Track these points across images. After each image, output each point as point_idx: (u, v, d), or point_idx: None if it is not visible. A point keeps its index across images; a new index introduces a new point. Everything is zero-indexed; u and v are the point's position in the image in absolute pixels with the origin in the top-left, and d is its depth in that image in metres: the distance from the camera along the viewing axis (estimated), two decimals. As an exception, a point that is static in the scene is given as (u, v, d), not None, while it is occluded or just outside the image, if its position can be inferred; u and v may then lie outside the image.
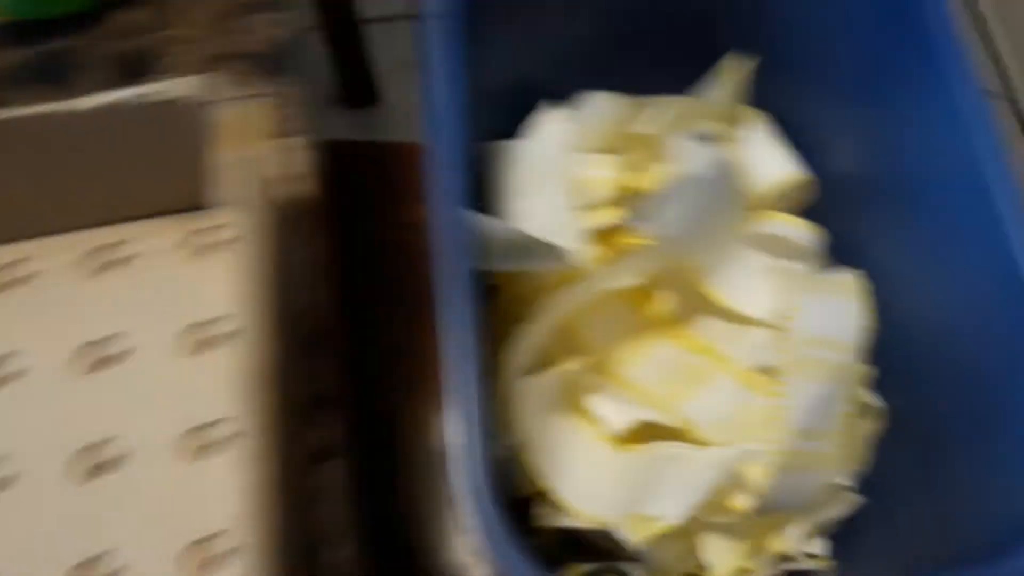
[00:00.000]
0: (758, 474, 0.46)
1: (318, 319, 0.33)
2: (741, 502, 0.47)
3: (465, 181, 0.36)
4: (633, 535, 0.44)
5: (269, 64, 0.36)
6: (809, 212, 0.56)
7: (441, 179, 0.36)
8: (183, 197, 0.32)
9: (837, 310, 0.48)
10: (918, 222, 0.47)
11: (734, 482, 0.48)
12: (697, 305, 0.53)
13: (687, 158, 0.45)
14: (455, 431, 0.34)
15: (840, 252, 0.53)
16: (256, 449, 0.24)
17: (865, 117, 0.50)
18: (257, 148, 0.27)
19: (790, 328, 0.47)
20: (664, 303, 0.54)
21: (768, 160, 0.54)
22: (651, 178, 0.53)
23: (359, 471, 0.34)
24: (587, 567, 0.49)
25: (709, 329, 0.54)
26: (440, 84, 0.38)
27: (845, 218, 0.53)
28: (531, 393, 0.48)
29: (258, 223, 0.26)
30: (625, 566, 0.50)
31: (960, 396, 0.44)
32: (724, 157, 0.46)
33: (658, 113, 0.52)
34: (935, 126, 0.44)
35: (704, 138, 0.45)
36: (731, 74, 0.51)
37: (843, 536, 0.50)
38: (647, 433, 0.51)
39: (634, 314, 0.54)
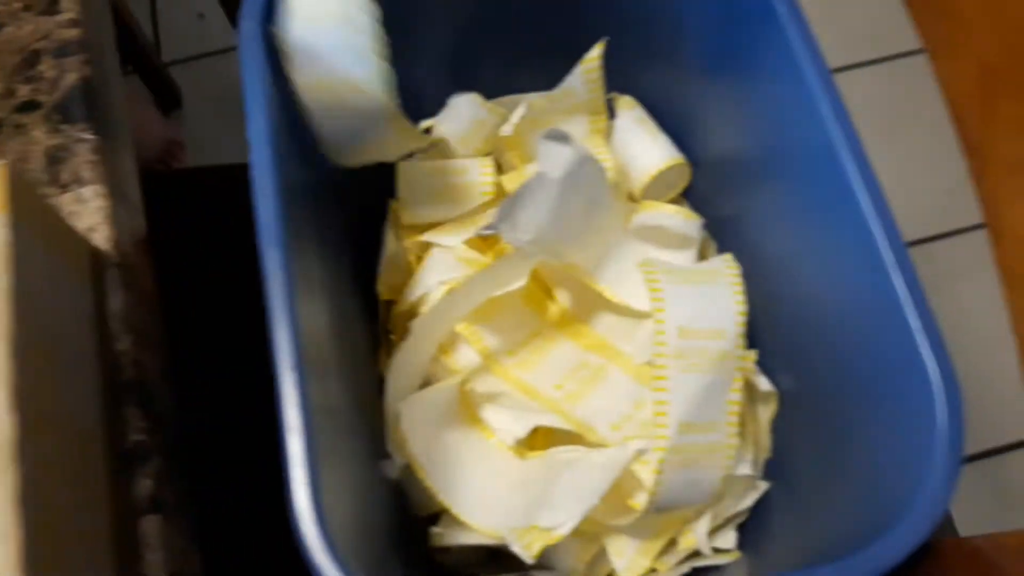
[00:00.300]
0: (647, 473, 0.45)
1: (133, 370, 0.32)
2: (638, 501, 0.46)
3: (279, 204, 0.35)
4: (526, 548, 0.43)
5: (65, 111, 0.35)
6: (693, 196, 0.55)
7: (257, 202, 0.35)
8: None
9: (712, 299, 0.47)
10: (785, 198, 0.46)
11: (630, 482, 0.47)
12: (593, 302, 0.53)
13: (541, 158, 0.44)
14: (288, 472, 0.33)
15: (723, 235, 0.53)
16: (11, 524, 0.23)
17: (727, 96, 0.49)
18: (25, 207, 0.26)
19: (665, 320, 0.46)
20: (561, 302, 0.53)
21: (642, 147, 0.53)
22: (525, 178, 0.52)
23: (201, 518, 0.33)
24: (498, 580, 0.49)
25: (604, 325, 0.53)
26: (253, 108, 0.37)
27: (725, 200, 0.52)
28: (422, 409, 0.48)
29: (10, 286, 0.25)
30: (540, 575, 0.49)
31: (839, 372, 0.43)
32: (582, 153, 0.44)
33: (523, 112, 0.51)
34: (786, 98, 0.43)
35: (557, 136, 0.44)
36: (591, 64, 0.50)
37: (749, 524, 0.49)
38: (546, 438, 0.50)
39: (533, 315, 0.53)
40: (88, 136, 0.35)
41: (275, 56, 0.39)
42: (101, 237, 0.33)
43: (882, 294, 0.38)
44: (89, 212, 0.34)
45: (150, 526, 0.30)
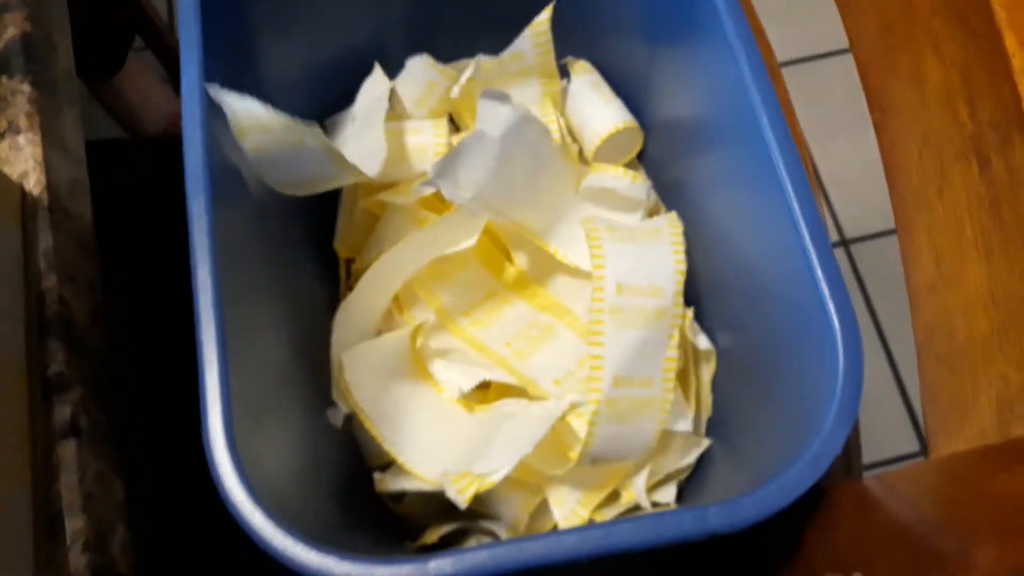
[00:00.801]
0: (582, 424, 0.46)
1: (58, 306, 0.34)
2: (584, 441, 0.47)
3: (205, 154, 0.37)
4: (460, 492, 0.45)
5: (5, 64, 0.37)
6: (646, 161, 0.56)
7: (185, 152, 0.37)
8: None
9: (652, 256, 0.48)
10: (719, 163, 0.47)
11: (568, 434, 0.48)
12: (548, 263, 0.54)
13: (479, 117, 0.45)
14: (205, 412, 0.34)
15: (671, 198, 0.53)
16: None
17: (672, 63, 0.50)
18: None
19: (604, 277, 0.47)
20: (518, 264, 0.55)
21: (595, 111, 0.54)
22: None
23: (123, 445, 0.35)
24: (447, 528, 0.50)
25: (557, 285, 0.54)
26: (187, 59, 0.39)
27: (673, 164, 0.53)
28: (368, 359, 0.49)
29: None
30: (488, 525, 0.50)
31: (766, 328, 0.44)
32: (521, 113, 0.46)
33: (471, 73, 0.52)
34: (716, 65, 0.44)
35: (496, 96, 0.45)
36: (540, 28, 0.51)
37: (692, 479, 0.50)
38: (493, 393, 0.52)
39: (490, 276, 0.55)
40: (25, 88, 0.37)
41: (212, 13, 0.41)
42: (33, 182, 0.35)
43: (795, 251, 0.39)
44: (23, 159, 0.36)
45: (67, 450, 0.32)
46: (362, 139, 0.51)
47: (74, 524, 0.32)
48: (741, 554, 0.39)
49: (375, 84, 0.53)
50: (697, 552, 0.40)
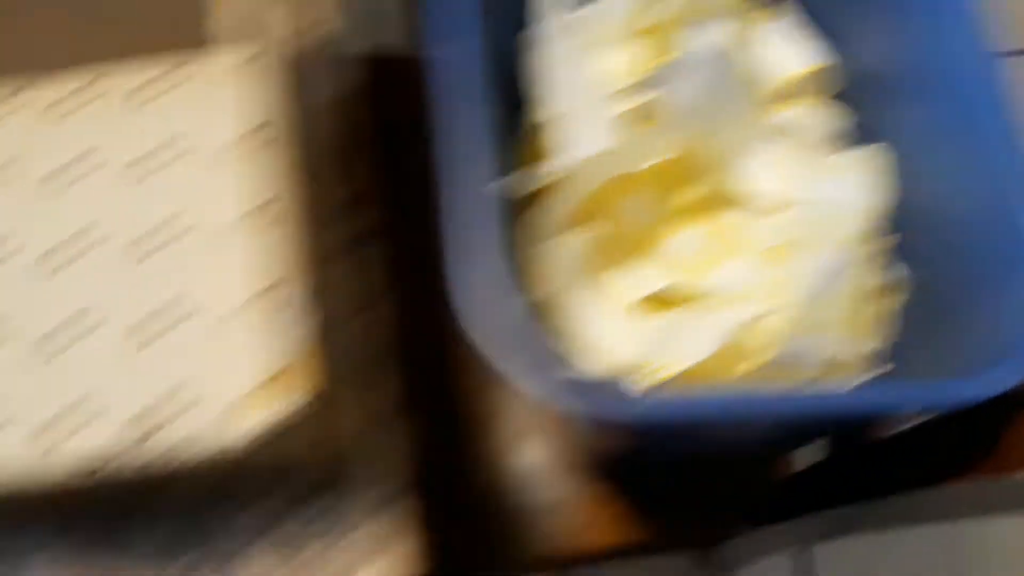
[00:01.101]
0: (772, 329, 0.48)
1: (352, 133, 0.37)
2: (758, 355, 0.49)
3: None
4: (641, 380, 0.47)
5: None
6: (837, 99, 0.57)
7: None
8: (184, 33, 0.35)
9: (851, 186, 0.50)
10: (925, 112, 0.49)
11: (745, 343, 0.50)
12: (726, 195, 0.56)
13: (684, 46, 0.48)
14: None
15: (866, 137, 0.55)
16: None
17: (882, 12, 0.52)
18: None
19: (804, 204, 0.49)
20: (694, 192, 0.56)
21: (790, 50, 0.56)
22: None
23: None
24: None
25: (737, 214, 0.56)
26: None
27: (872, 104, 0.54)
28: (558, 254, 0.51)
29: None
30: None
31: (957, 265, 0.46)
32: (722, 47, 0.48)
33: (670, 5, 0.54)
34: (932, 16, 0.46)
35: (702, 27, 0.48)
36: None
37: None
38: (670, 300, 0.54)
39: (666, 202, 0.57)
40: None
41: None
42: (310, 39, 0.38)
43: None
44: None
45: (343, 266, 0.35)
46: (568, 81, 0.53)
47: (342, 337, 0.35)
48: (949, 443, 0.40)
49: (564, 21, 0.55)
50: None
